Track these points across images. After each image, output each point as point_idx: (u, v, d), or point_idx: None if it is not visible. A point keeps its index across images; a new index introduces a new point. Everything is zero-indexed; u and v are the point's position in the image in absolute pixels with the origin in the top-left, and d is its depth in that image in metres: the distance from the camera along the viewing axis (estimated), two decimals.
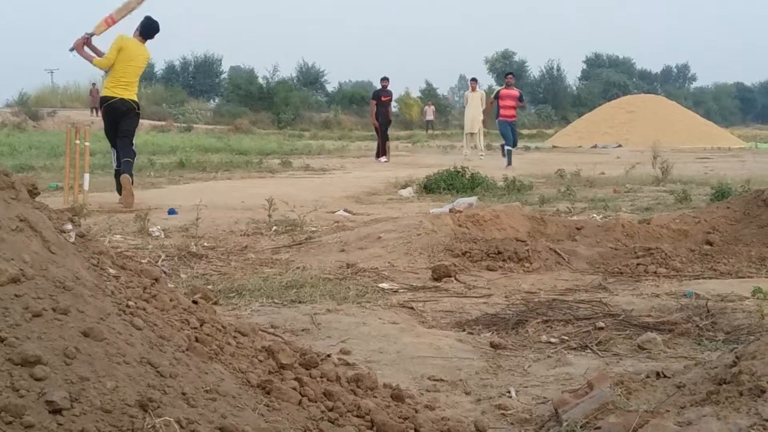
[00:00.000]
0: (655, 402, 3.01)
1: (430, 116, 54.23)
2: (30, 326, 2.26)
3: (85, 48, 11.10)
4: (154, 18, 11.35)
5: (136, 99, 11.35)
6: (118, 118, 11.18)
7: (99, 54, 11.18)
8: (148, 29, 11.33)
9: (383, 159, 22.46)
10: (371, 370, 3.80)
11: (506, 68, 78.30)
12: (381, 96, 23.48)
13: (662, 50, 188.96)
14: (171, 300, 2.99)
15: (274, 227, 8.79)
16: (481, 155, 23.20)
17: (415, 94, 66.04)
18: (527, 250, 6.92)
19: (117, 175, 11.10)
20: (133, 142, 11.46)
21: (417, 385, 3.84)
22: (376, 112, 23.30)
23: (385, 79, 23.79)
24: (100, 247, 3.03)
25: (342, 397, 2.87)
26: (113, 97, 11.11)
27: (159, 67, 77.36)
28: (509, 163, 19.90)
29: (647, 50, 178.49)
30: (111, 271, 2.89)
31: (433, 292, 5.99)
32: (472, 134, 24.32)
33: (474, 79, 25.24)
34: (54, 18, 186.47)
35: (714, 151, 29.20)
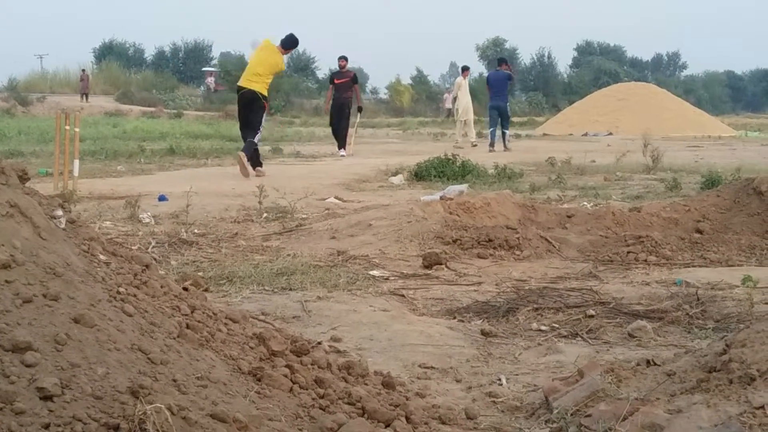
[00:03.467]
0: (646, 390, 3.02)
1: (449, 104, 53.90)
2: (20, 312, 2.25)
3: None
4: (295, 35, 13.75)
5: (264, 91, 13.36)
6: (246, 106, 13.39)
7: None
8: (288, 42, 13.84)
9: (341, 152, 19.20)
10: (362, 357, 3.80)
11: (497, 55, 78.31)
12: (334, 78, 20.11)
13: (653, 38, 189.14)
14: (162, 287, 2.99)
15: (265, 214, 8.78)
16: (474, 143, 23.09)
17: (406, 81, 65.95)
18: (518, 238, 6.92)
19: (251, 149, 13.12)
20: (259, 129, 13.52)
21: (408, 373, 3.85)
22: (332, 98, 19.83)
23: (342, 59, 20.12)
24: (91, 233, 3.02)
25: (333, 384, 2.88)
26: (244, 88, 13.36)
27: (149, 53, 77.21)
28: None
29: (638, 38, 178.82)
30: (101, 257, 2.88)
31: (423, 279, 5.99)
32: (464, 121, 23.91)
33: (466, 67, 25.02)
34: (43, 3, 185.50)
35: (704, 140, 29.23)
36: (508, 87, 22.14)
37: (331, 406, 2.75)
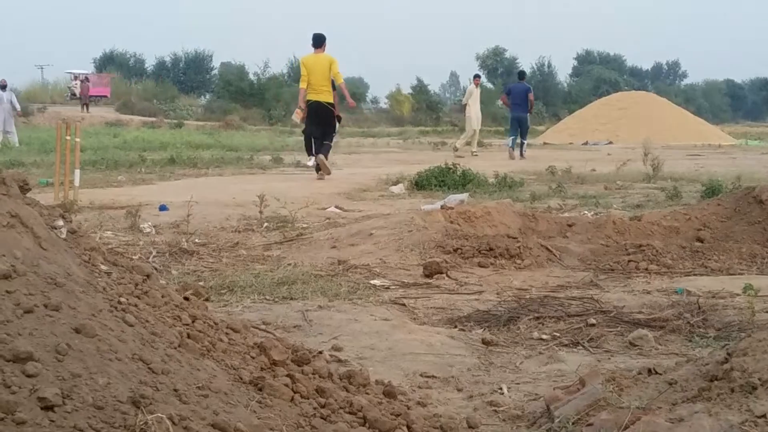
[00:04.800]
0: (647, 399, 3.01)
1: None
2: (21, 322, 2.25)
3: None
4: (317, 32, 14.99)
5: (330, 100, 14.87)
6: (318, 115, 14.83)
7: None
8: (315, 40, 14.92)
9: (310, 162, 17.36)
10: (363, 366, 3.80)
11: (497, 65, 78.31)
12: None
13: (653, 47, 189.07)
14: (162, 296, 2.98)
15: (266, 224, 8.78)
16: (475, 153, 23.04)
17: (406, 90, 66.03)
18: (518, 247, 6.92)
19: (315, 155, 14.83)
20: (333, 134, 15.26)
21: (409, 382, 3.84)
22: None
23: None
24: (92, 243, 3.02)
25: (334, 393, 2.87)
26: (311, 100, 14.82)
27: (150, 63, 77.33)
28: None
29: (638, 47, 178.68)
30: (102, 267, 2.88)
31: (424, 288, 5.99)
32: (475, 131, 23.80)
33: (477, 75, 25.25)
34: (43, 13, 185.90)
35: (704, 148, 29.24)
36: (529, 99, 22.93)
37: (332, 415, 2.75)
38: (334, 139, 15.61)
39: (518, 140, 22.62)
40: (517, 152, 22.23)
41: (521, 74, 25.34)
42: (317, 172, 14.89)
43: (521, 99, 22.74)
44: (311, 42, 14.95)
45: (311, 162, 17.18)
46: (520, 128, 22.61)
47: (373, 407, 2.88)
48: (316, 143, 14.90)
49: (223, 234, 8.29)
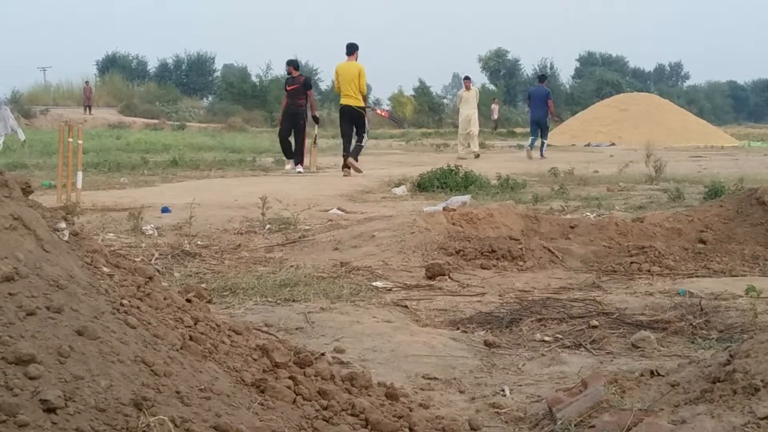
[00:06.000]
0: (649, 400, 3.01)
1: (496, 115, 53.81)
2: (24, 325, 2.25)
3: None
4: (350, 41, 16.61)
5: (359, 104, 16.35)
6: (350, 118, 16.38)
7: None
8: (348, 48, 16.55)
9: (297, 168, 17.42)
10: (365, 368, 3.80)
11: (499, 66, 78.19)
12: (286, 85, 18.39)
13: (655, 49, 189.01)
14: (165, 298, 2.99)
15: (268, 226, 8.78)
16: (476, 152, 23.04)
17: (408, 92, 66.05)
18: (521, 249, 6.92)
19: (345, 155, 16.15)
20: (364, 135, 16.59)
21: (411, 384, 3.84)
22: (285, 105, 18.37)
23: (290, 64, 18.61)
24: (94, 245, 3.02)
25: (336, 395, 2.87)
26: (343, 104, 16.48)
27: (152, 65, 77.42)
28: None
29: (640, 49, 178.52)
30: (105, 269, 2.88)
31: (426, 290, 5.99)
32: (468, 134, 23.69)
33: (467, 78, 25.11)
34: (46, 15, 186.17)
35: (707, 150, 29.22)
36: (549, 104, 24.13)
37: (334, 417, 2.75)
38: (364, 141, 16.71)
39: (538, 141, 23.68)
40: (537, 154, 22.98)
41: (541, 77, 26.64)
42: (343, 170, 16.07)
43: (541, 102, 23.86)
44: (346, 50, 16.56)
45: (299, 168, 17.38)
46: (539, 129, 23.74)
47: (375, 409, 2.88)
48: (345, 142, 16.36)
49: (225, 236, 8.29)
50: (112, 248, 6.30)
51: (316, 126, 19.07)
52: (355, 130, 16.38)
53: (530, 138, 24.32)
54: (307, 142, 18.36)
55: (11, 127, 24.89)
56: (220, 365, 2.76)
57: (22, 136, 24.53)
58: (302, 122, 18.05)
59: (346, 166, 16.04)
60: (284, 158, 18.35)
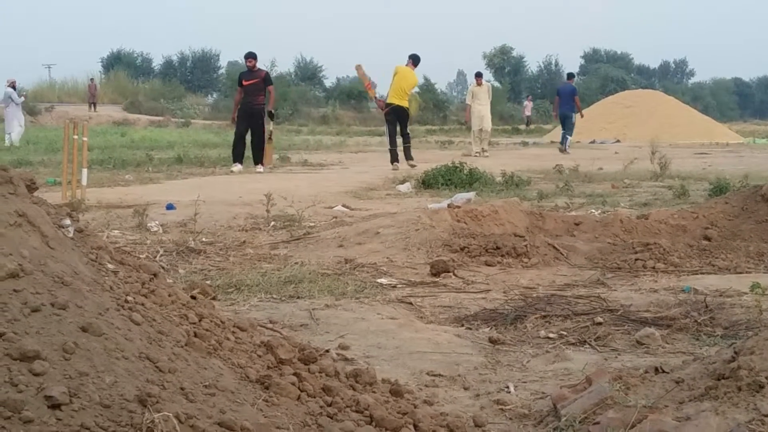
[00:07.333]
0: (654, 397, 3.01)
1: (528, 112, 53.77)
2: (29, 321, 2.26)
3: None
4: (416, 53, 18.43)
5: (405, 104, 17.91)
6: (397, 116, 17.88)
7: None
8: (414, 58, 18.37)
9: (258, 168, 16.38)
10: (370, 365, 3.80)
11: (504, 63, 78.01)
12: (242, 79, 16.98)
13: (660, 45, 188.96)
14: (169, 295, 2.99)
15: (273, 222, 8.78)
16: (486, 154, 22.52)
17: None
18: (525, 246, 6.91)
19: (392, 150, 17.74)
20: (408, 133, 18.35)
21: (416, 381, 3.84)
22: (240, 103, 16.92)
23: (249, 57, 17.08)
24: (99, 242, 3.03)
25: (341, 392, 2.87)
26: (392, 103, 17.82)
27: (157, 63, 77.46)
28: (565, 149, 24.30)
29: (645, 45, 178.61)
30: (109, 266, 2.89)
31: (431, 287, 5.99)
32: (480, 130, 23.03)
33: (479, 74, 24.61)
34: (51, 13, 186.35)
35: (712, 147, 29.18)
36: (575, 100, 25.21)
37: (339, 414, 2.75)
38: (409, 140, 18.48)
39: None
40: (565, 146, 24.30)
41: (570, 75, 28.08)
42: (392, 164, 17.33)
43: (568, 98, 25.01)
44: (413, 59, 18.37)
45: (260, 168, 16.30)
46: (564, 124, 25.14)
47: (379, 406, 2.88)
48: (392, 141, 17.92)
49: (230, 233, 8.29)
50: (116, 245, 6.31)
51: (271, 122, 17.49)
52: (399, 126, 17.94)
53: (561, 133, 25.46)
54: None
55: (20, 123, 24.83)
56: (225, 362, 2.76)
57: (16, 140, 24.29)
58: (260, 121, 16.64)
59: (396, 160, 17.49)
60: (232, 160, 16.86)
